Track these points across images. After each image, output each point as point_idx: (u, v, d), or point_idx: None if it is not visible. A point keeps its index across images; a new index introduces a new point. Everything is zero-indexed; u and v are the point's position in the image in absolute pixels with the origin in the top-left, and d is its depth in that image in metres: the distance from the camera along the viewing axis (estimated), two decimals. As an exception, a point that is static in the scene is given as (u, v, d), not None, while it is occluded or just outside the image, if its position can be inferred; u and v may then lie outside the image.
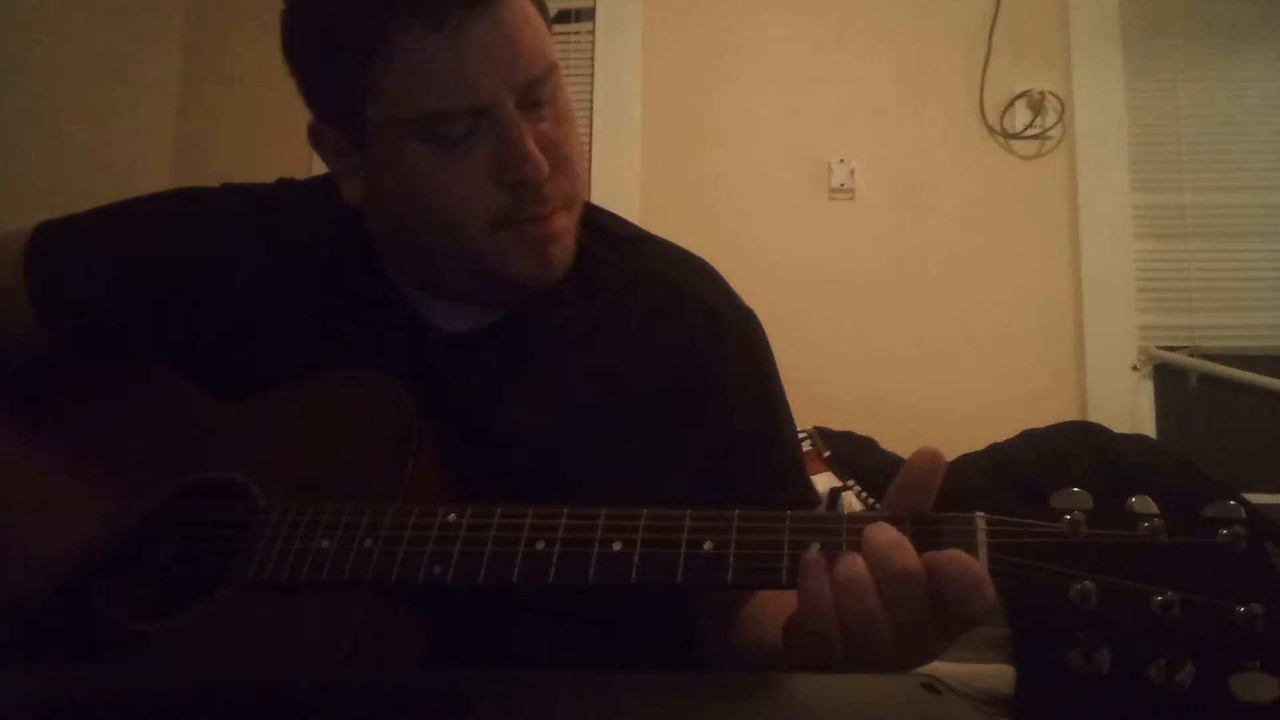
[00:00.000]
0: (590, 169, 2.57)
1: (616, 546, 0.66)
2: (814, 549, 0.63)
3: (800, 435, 2.06)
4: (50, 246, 0.94)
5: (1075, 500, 0.60)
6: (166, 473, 0.82)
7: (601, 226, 0.96)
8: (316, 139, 0.87)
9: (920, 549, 0.61)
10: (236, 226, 0.94)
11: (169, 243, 0.93)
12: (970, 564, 0.59)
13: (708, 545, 0.65)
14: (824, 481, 1.96)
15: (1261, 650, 0.54)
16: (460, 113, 0.77)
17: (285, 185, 1.00)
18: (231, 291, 0.91)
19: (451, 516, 0.70)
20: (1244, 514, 0.57)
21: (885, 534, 0.62)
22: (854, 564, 0.61)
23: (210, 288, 0.91)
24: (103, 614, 0.75)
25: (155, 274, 0.92)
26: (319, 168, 0.92)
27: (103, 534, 0.78)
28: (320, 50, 0.81)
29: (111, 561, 0.78)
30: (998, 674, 1.63)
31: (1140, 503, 0.59)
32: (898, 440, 2.14)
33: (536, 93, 0.80)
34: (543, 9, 0.83)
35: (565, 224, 0.85)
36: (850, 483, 1.96)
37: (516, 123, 0.78)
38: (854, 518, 0.64)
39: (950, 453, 2.08)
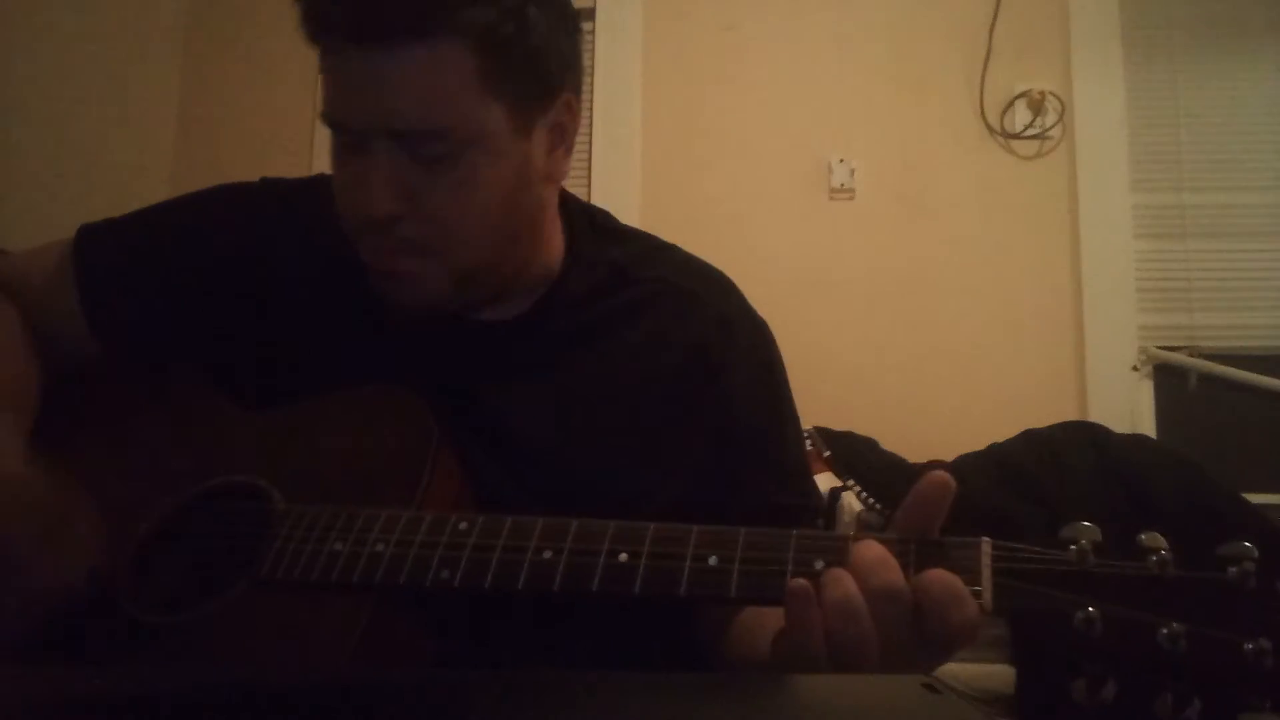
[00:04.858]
0: (590, 169, 2.58)
1: (622, 557, 0.67)
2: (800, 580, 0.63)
3: (800, 435, 2.06)
4: (98, 251, 0.96)
5: (1083, 532, 0.60)
6: (191, 477, 0.83)
7: (618, 233, 0.99)
8: None
9: (923, 571, 0.62)
10: (275, 223, 0.96)
11: (211, 243, 0.95)
12: (952, 579, 0.60)
13: (713, 560, 0.65)
14: (824, 481, 1.96)
15: (1270, 689, 0.53)
16: (336, 126, 0.81)
17: (323, 180, 1.00)
18: (270, 287, 0.93)
19: (463, 525, 0.71)
20: (1256, 554, 0.56)
21: (873, 550, 0.62)
22: (844, 585, 0.61)
23: (250, 284, 0.93)
24: (120, 609, 0.76)
25: (199, 274, 0.94)
26: (319, 164, 0.94)
27: (125, 533, 0.80)
28: None
29: (132, 559, 0.79)
30: (998, 674, 1.63)
31: (1150, 538, 0.59)
32: (898, 440, 2.15)
33: (415, 147, 0.79)
34: (491, 71, 0.79)
35: (412, 268, 0.84)
36: (850, 483, 1.96)
37: (371, 155, 0.79)
38: (860, 539, 0.65)
39: (950, 453, 2.09)
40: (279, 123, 2.64)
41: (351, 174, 0.81)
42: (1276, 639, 0.54)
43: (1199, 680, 0.54)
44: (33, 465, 0.80)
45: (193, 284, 0.94)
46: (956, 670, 1.61)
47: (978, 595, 0.60)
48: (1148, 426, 2.37)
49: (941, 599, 0.59)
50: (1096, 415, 2.28)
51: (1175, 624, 0.55)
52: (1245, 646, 0.54)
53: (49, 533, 0.75)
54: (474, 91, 0.79)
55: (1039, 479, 1.88)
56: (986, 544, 0.62)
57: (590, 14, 2.67)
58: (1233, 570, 0.56)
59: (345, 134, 0.81)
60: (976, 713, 0.49)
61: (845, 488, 1.95)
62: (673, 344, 0.91)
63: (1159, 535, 0.58)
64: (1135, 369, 2.41)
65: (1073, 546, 0.59)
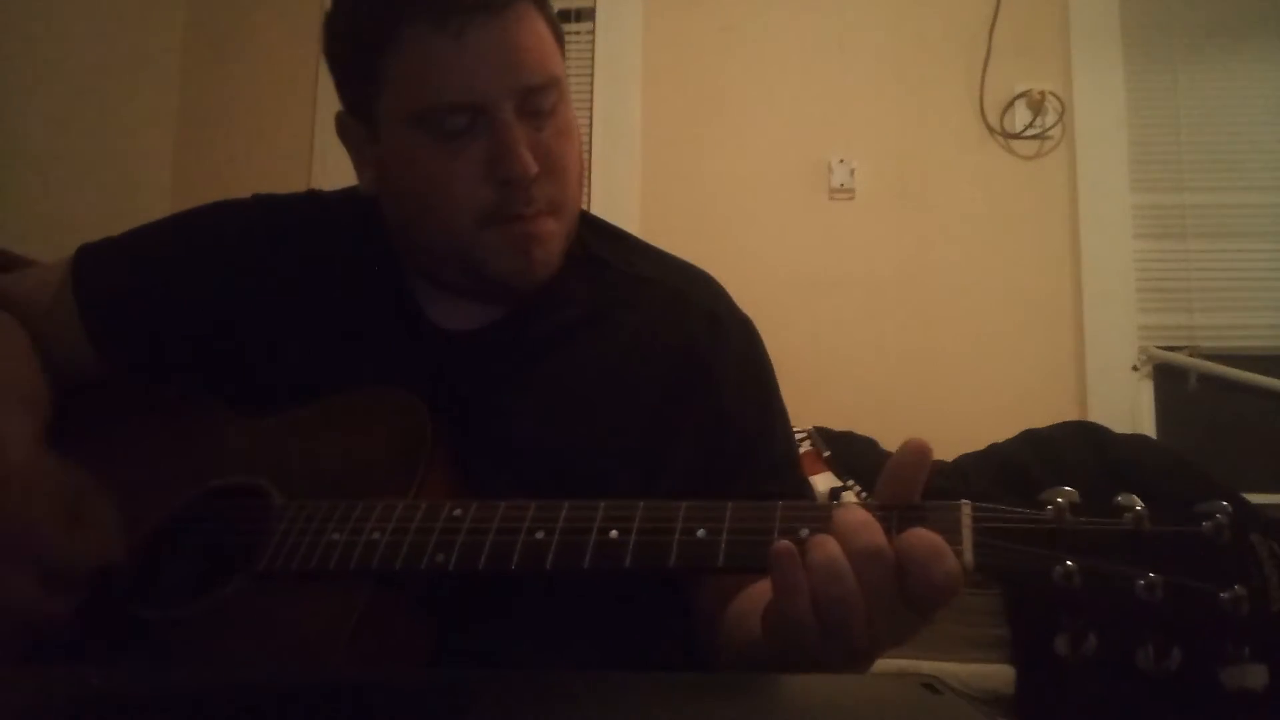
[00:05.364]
0: (590, 169, 2.58)
1: (613, 534, 0.68)
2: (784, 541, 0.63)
3: (800, 435, 2.07)
4: (97, 269, 0.97)
5: (1062, 493, 0.61)
6: (192, 480, 0.84)
7: (608, 234, 1.00)
8: (342, 129, 0.92)
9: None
10: (268, 239, 0.97)
11: (208, 260, 0.96)
12: (933, 536, 0.61)
13: (700, 532, 0.66)
14: (824, 481, 1.97)
15: (1248, 637, 0.54)
16: (458, 108, 0.82)
17: (315, 196, 1.03)
18: (264, 303, 0.94)
19: (457, 511, 0.72)
20: (1230, 509, 0.57)
21: (856, 515, 0.63)
22: (828, 547, 0.62)
23: (245, 301, 0.95)
24: (121, 606, 0.76)
25: (196, 292, 0.95)
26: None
27: (128, 534, 0.80)
28: (345, 46, 0.88)
29: (135, 558, 0.80)
30: (998, 674, 1.63)
31: (1126, 498, 0.60)
32: (898, 440, 2.12)
33: (536, 101, 0.84)
34: (555, 28, 0.88)
35: (551, 228, 0.87)
36: (850, 483, 1.97)
37: (510, 124, 0.83)
38: (842, 505, 0.65)
39: (950, 453, 2.09)
40: (279, 123, 2.65)
41: (481, 152, 0.83)
42: (1251, 588, 0.54)
43: (1178, 630, 0.55)
44: (49, 453, 0.81)
45: (190, 300, 0.95)
46: (956, 670, 1.61)
47: (959, 554, 0.60)
48: (1148, 426, 2.37)
49: (923, 556, 0.60)
50: (1096, 415, 2.29)
51: (1153, 575, 0.55)
52: (1222, 595, 0.54)
53: (72, 513, 0.76)
54: (554, 41, 0.87)
55: (1039, 479, 1.88)
56: (967, 505, 0.63)
57: (590, 14, 2.67)
58: (1207, 524, 0.57)
59: (460, 115, 0.82)
60: (976, 713, 0.50)
61: (845, 488, 1.96)
62: (661, 343, 0.92)
63: (1135, 496, 0.59)
64: (1135, 369, 2.41)
65: (1050, 506, 0.60)
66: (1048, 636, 0.57)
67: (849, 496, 1.94)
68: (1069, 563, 0.57)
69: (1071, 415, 2.24)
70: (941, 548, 0.60)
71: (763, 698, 0.58)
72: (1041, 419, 2.08)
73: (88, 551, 0.76)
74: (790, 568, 0.62)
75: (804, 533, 0.64)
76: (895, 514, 0.64)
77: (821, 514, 0.65)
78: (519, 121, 0.83)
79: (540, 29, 0.85)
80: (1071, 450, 1.95)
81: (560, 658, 0.81)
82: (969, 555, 0.60)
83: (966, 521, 0.62)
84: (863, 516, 0.63)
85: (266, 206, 1.01)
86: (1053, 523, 0.60)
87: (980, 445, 2.05)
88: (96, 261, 0.98)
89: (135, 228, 1.01)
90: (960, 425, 2.22)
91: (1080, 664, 0.56)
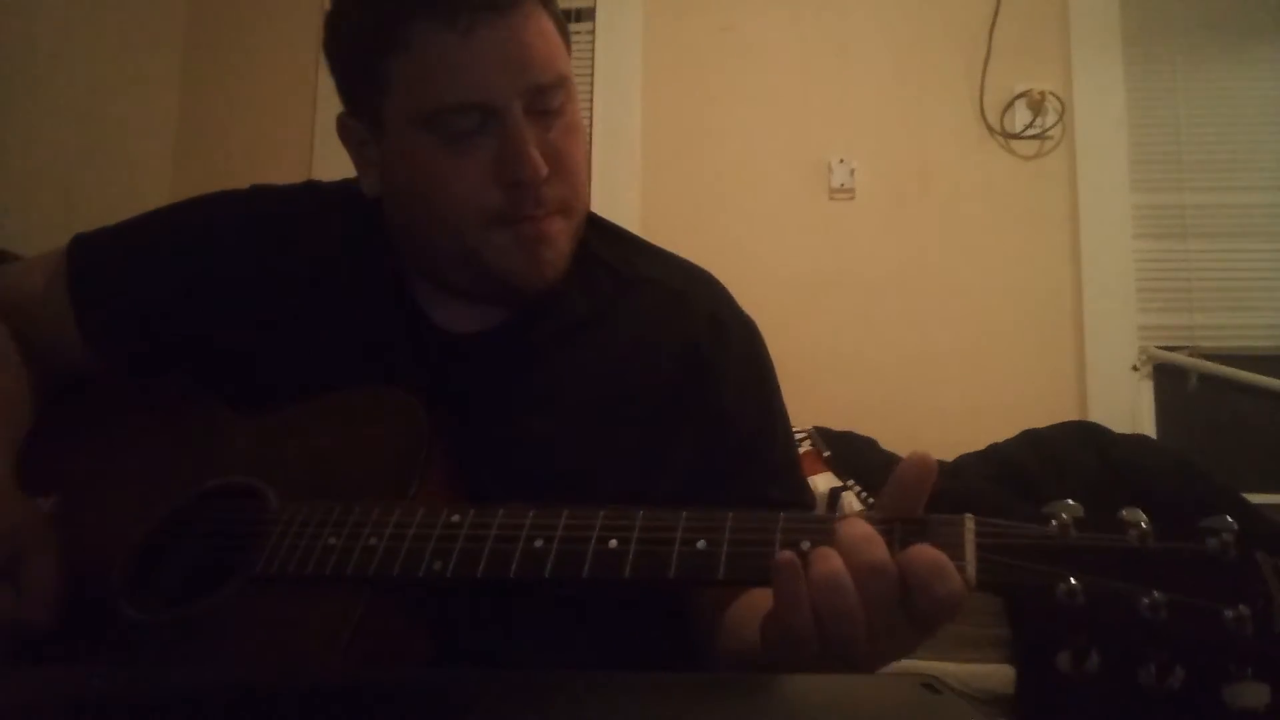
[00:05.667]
0: (590, 169, 2.57)
1: (612, 544, 0.67)
2: (787, 553, 0.63)
3: (800, 435, 2.07)
4: (90, 259, 0.96)
5: (1065, 508, 0.61)
6: (189, 480, 0.84)
7: (609, 234, 1.00)
8: (343, 131, 0.92)
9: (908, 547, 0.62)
10: (267, 233, 0.96)
11: (203, 251, 0.96)
12: (936, 553, 0.60)
13: (701, 544, 0.66)
14: (824, 481, 1.97)
15: (1251, 656, 0.53)
16: (467, 108, 0.82)
17: (313, 187, 1.02)
18: (262, 299, 0.94)
19: (455, 517, 0.71)
20: (1235, 526, 0.57)
21: (858, 528, 0.63)
22: (830, 561, 0.62)
23: (241, 293, 0.94)
24: (115, 608, 0.76)
25: (192, 286, 0.94)
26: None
27: (123, 535, 0.80)
28: (349, 46, 0.87)
29: (131, 561, 0.80)
30: (998, 674, 1.63)
31: (1130, 513, 0.59)
32: (898, 440, 2.15)
33: (544, 100, 0.84)
34: (562, 27, 0.88)
35: (560, 228, 0.87)
36: (850, 483, 1.97)
37: (519, 124, 0.82)
38: (845, 518, 0.65)
39: (950, 453, 2.09)
40: (279, 123, 2.65)
41: (490, 152, 0.83)
42: (1256, 607, 0.54)
43: (1181, 649, 0.54)
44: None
45: (184, 291, 0.94)
46: (956, 670, 1.61)
47: (962, 570, 0.60)
48: (1148, 426, 2.37)
49: (926, 573, 0.60)
50: (1096, 415, 2.29)
51: (1157, 593, 0.55)
52: (1225, 614, 0.54)
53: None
54: (560, 39, 0.87)
55: (1039, 479, 1.88)
56: (970, 519, 0.63)
57: (590, 14, 2.67)
58: (1212, 542, 0.57)
59: (469, 115, 0.82)
60: (976, 713, 0.50)
61: (845, 488, 1.96)
62: (663, 344, 0.92)
63: (1140, 510, 0.59)
64: (1135, 369, 2.41)
65: (1054, 521, 0.60)
66: (1050, 650, 0.57)
67: (849, 496, 1.94)
68: (1072, 580, 0.57)
69: (1071, 415, 2.24)
70: (945, 565, 0.60)
71: (763, 698, 0.58)
72: (1041, 419, 2.08)
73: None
74: (792, 580, 0.62)
75: (805, 545, 0.64)
76: (898, 527, 0.63)
77: (823, 526, 0.65)
78: (527, 121, 0.82)
79: (547, 27, 0.85)
80: (1071, 450, 1.95)
81: (560, 658, 0.81)
82: (972, 571, 0.60)
83: (969, 537, 0.62)
84: (865, 530, 0.63)
85: (264, 198, 1.00)
86: (1056, 538, 0.59)
87: (980, 445, 2.05)
88: (90, 251, 0.97)
89: (131, 218, 1.00)
90: (960, 425, 2.22)
91: (1082, 680, 0.56)
